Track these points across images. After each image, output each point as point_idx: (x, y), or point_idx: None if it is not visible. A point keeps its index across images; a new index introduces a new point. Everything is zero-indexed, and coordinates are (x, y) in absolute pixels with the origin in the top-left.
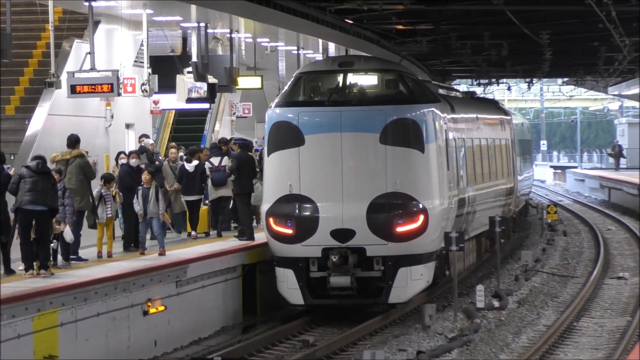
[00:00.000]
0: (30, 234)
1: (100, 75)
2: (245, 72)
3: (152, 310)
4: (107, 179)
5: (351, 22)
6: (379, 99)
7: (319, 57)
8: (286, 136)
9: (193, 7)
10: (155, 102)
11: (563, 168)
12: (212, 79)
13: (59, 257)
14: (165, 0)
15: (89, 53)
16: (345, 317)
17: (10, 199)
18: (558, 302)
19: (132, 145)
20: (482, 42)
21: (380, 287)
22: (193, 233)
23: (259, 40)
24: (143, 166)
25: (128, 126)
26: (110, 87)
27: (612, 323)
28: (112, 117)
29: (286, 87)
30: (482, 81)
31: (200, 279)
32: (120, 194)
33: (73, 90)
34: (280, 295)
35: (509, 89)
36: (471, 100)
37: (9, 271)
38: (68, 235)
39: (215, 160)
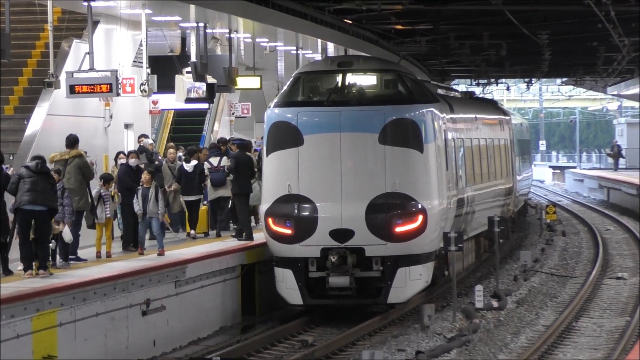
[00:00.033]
0: (30, 234)
1: (99, 75)
2: (244, 72)
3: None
4: (106, 179)
5: (350, 22)
6: (378, 99)
7: (318, 57)
8: (285, 136)
9: (192, 7)
10: (154, 102)
11: (562, 168)
12: (211, 79)
13: (57, 257)
14: (164, 0)
15: (88, 53)
16: (344, 317)
17: (9, 199)
18: (557, 302)
19: (131, 145)
20: (481, 42)
21: (379, 287)
22: (192, 232)
23: (258, 40)
24: (143, 166)
25: (127, 126)
26: (109, 87)
27: (610, 323)
28: (111, 117)
29: (285, 87)
30: (481, 81)
31: (199, 279)
32: (119, 194)
33: (72, 90)
34: (279, 296)
35: (507, 89)
36: (470, 101)
37: (7, 271)
38: (67, 235)
39: (214, 161)
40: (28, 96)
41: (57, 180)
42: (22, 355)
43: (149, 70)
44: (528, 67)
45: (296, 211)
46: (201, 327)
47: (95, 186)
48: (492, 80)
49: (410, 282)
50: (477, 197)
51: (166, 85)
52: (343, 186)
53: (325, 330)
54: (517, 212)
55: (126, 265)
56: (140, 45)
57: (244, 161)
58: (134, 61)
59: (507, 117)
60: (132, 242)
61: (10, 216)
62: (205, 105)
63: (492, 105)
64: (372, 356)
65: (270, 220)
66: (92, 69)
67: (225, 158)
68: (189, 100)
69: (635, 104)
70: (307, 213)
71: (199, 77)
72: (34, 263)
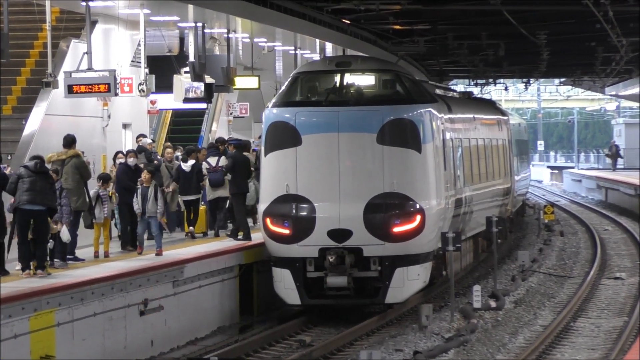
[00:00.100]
0: (28, 234)
1: (98, 75)
2: (243, 72)
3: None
4: (104, 179)
5: (348, 22)
6: (376, 99)
7: (316, 57)
8: (283, 136)
9: (190, 7)
10: (153, 102)
11: (560, 168)
12: (209, 79)
13: (55, 256)
14: (162, 0)
15: (86, 53)
16: (342, 317)
17: (7, 199)
18: (555, 302)
19: (129, 145)
20: (479, 42)
21: (377, 287)
22: (191, 228)
23: (256, 40)
24: (142, 165)
25: (125, 126)
26: (107, 87)
27: (608, 323)
28: (109, 117)
29: (283, 87)
30: (479, 81)
31: (197, 279)
32: (117, 194)
33: (70, 90)
34: (277, 296)
35: (506, 89)
36: (468, 101)
37: (4, 271)
38: (65, 235)
39: (213, 161)
40: (26, 96)
41: (55, 180)
42: (20, 355)
43: (147, 70)
44: (526, 67)
45: (294, 211)
46: (199, 327)
47: (93, 186)
48: (490, 80)
49: (408, 282)
50: (475, 197)
51: (164, 85)
52: (341, 186)
53: (323, 330)
54: (515, 212)
55: (124, 265)
56: (139, 45)
57: (241, 161)
58: (132, 61)
59: (505, 117)
60: (129, 242)
61: (9, 216)
62: (203, 105)
63: (490, 106)
64: (369, 356)
65: (268, 220)
66: (90, 68)
67: (223, 158)
68: (187, 100)
69: (634, 104)
70: (305, 213)
71: (197, 77)
72: (31, 263)
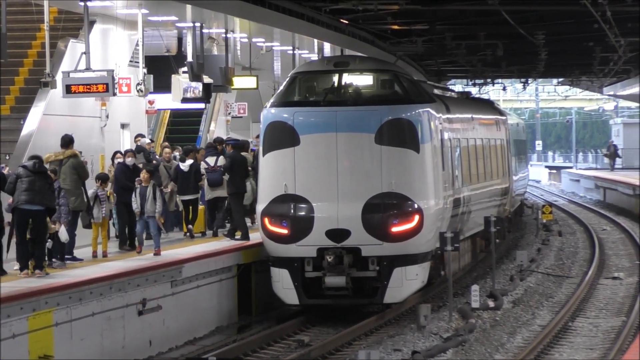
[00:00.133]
0: (26, 234)
1: (96, 75)
2: (241, 72)
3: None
4: (102, 179)
5: (346, 22)
6: (374, 99)
7: (314, 57)
8: (281, 136)
9: (188, 7)
10: (151, 102)
11: (558, 168)
12: (207, 79)
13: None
14: (160, 0)
15: (85, 53)
16: (340, 317)
17: (5, 199)
18: (553, 302)
19: (127, 145)
20: (478, 42)
21: (376, 287)
22: (190, 227)
23: (254, 40)
24: (140, 165)
25: (123, 126)
26: (105, 87)
27: (607, 323)
28: (107, 117)
29: (281, 87)
30: (477, 81)
31: (195, 279)
32: (115, 194)
33: (68, 90)
34: (276, 295)
35: (504, 89)
36: (466, 101)
37: (2, 271)
38: (63, 235)
39: (211, 160)
40: (24, 96)
41: (53, 180)
42: (18, 355)
43: (145, 70)
44: (524, 67)
45: (292, 211)
46: (197, 327)
47: (92, 186)
48: (489, 80)
49: (406, 282)
50: (474, 197)
51: (162, 85)
52: (339, 186)
53: (321, 330)
54: (514, 212)
55: (122, 265)
56: (137, 45)
57: (239, 161)
58: (130, 61)
59: (504, 117)
60: (126, 242)
61: (7, 216)
62: (201, 105)
63: (488, 106)
64: (368, 356)
65: (266, 220)
66: (88, 68)
67: (221, 158)
68: (185, 100)
69: (632, 104)
70: (303, 213)
71: (195, 77)
72: (29, 262)
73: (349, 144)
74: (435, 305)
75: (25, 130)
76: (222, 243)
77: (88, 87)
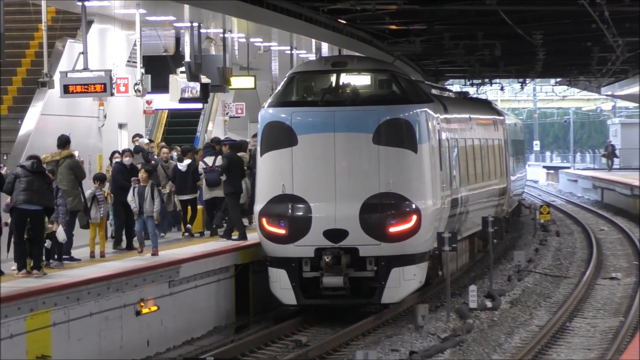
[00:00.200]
0: (24, 234)
1: (93, 75)
2: (238, 72)
3: (144, 311)
4: (100, 179)
5: (344, 22)
6: (372, 99)
7: (312, 57)
8: (279, 136)
9: (186, 7)
10: (148, 102)
11: (556, 168)
12: (205, 79)
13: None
14: (158, 0)
15: (82, 53)
16: (338, 317)
17: (2, 200)
18: (551, 302)
19: (125, 145)
20: (475, 42)
21: (373, 287)
22: (189, 226)
23: (252, 40)
24: (139, 165)
25: (121, 126)
26: (103, 87)
27: (604, 323)
28: (105, 117)
29: (279, 87)
30: (475, 81)
31: (193, 279)
32: (112, 194)
33: (66, 90)
34: (273, 295)
35: (502, 89)
36: (464, 101)
37: None
38: (61, 235)
39: (209, 160)
40: (22, 96)
41: (51, 180)
42: (16, 355)
43: (143, 70)
44: (522, 67)
45: (290, 211)
46: (195, 327)
47: (89, 186)
48: (486, 80)
49: (404, 282)
50: (471, 197)
51: (160, 85)
52: (337, 186)
53: (319, 330)
54: (511, 212)
55: (120, 265)
56: (135, 45)
57: (236, 161)
58: (128, 61)
59: (501, 117)
60: (121, 242)
61: (5, 216)
62: (199, 105)
63: (486, 106)
64: (366, 356)
65: (264, 220)
66: (86, 68)
67: (220, 157)
68: (183, 100)
69: (629, 104)
70: (301, 213)
71: (193, 77)
72: (27, 262)
73: (346, 144)
74: (433, 305)
75: (23, 130)
76: (220, 243)
77: (86, 87)
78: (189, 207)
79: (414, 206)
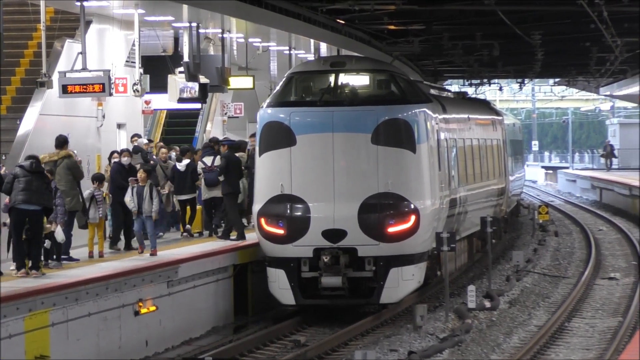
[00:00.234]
0: (22, 234)
1: (92, 75)
2: (237, 72)
3: (143, 311)
4: (99, 179)
5: (343, 22)
6: (371, 99)
7: (310, 57)
8: (278, 136)
9: (185, 7)
10: (147, 102)
11: (554, 168)
12: (203, 79)
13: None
14: (157, 0)
15: (81, 53)
16: (336, 317)
17: (1, 200)
18: (549, 302)
19: (123, 145)
20: (474, 42)
21: (372, 288)
22: (188, 226)
23: (250, 40)
24: (138, 166)
25: (119, 126)
26: (101, 87)
27: (603, 323)
28: (103, 117)
29: (278, 87)
30: (473, 81)
31: (192, 279)
32: (110, 195)
33: (64, 90)
34: (272, 296)
35: (500, 89)
36: (463, 101)
37: None
38: (59, 235)
39: (208, 160)
40: (21, 96)
41: (50, 180)
42: (14, 355)
43: (141, 70)
44: (521, 67)
45: (289, 211)
46: (193, 327)
47: (88, 186)
48: (485, 80)
49: (402, 283)
50: (470, 198)
51: (159, 85)
52: (336, 186)
53: (317, 330)
54: (510, 213)
55: (118, 265)
56: (133, 45)
57: (234, 161)
58: (126, 61)
59: (500, 118)
60: (118, 242)
61: (4, 216)
62: (197, 105)
63: (484, 106)
64: (364, 356)
65: (262, 220)
66: (84, 68)
67: (218, 157)
68: (181, 100)
69: (628, 104)
70: (299, 213)
71: (191, 77)
72: (25, 262)
73: (345, 144)
74: (431, 305)
75: (21, 130)
76: (218, 243)
77: (84, 87)
78: (188, 207)
79: (412, 206)
